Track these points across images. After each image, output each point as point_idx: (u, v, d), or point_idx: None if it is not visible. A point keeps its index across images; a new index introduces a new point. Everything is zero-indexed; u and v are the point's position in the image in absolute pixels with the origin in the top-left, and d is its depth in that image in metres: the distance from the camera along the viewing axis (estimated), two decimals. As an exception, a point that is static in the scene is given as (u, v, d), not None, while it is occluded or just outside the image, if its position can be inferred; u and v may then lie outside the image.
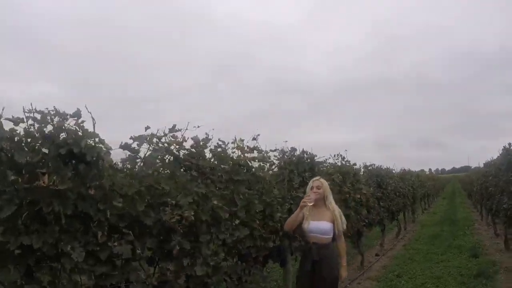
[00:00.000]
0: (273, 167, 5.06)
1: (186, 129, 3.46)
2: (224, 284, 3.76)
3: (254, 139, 4.24)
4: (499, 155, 10.25)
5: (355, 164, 8.00)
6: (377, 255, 10.37)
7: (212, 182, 3.63)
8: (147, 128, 3.14)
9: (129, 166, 3.10)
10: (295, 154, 5.44)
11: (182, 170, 3.43)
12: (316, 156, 5.73)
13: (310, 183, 4.47)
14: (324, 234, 4.32)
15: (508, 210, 7.89)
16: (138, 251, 2.93)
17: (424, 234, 13.81)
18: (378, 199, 9.85)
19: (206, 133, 3.68)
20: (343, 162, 7.46)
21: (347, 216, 6.76)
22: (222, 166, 3.86)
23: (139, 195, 2.86)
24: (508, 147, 8.42)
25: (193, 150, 3.57)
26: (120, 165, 3.08)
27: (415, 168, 22.67)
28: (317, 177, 4.56)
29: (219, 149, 3.88)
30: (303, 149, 5.55)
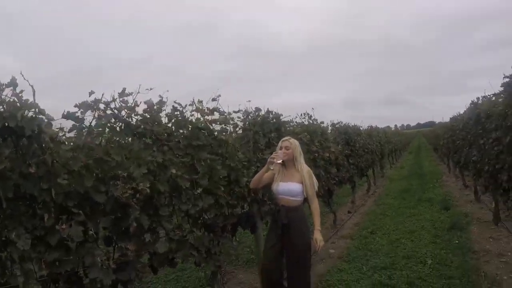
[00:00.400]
0: (237, 129, 4.79)
1: (138, 92, 3.13)
2: (192, 258, 3.53)
3: (214, 99, 3.93)
4: (466, 109, 10.53)
5: (322, 123, 7.84)
6: (349, 212, 10.52)
7: (169, 149, 3.35)
8: (91, 93, 2.79)
9: (73, 137, 2.77)
10: (260, 114, 5.17)
11: (135, 137, 3.11)
12: (282, 115, 5.48)
13: (279, 144, 4.35)
14: (293, 196, 4.26)
15: (478, 163, 8.03)
16: (91, 232, 2.71)
17: (393, 188, 14.11)
18: (347, 156, 9.84)
19: (160, 96, 3.36)
20: (310, 121, 7.27)
21: (317, 176, 6.63)
22: (180, 131, 3.57)
23: (86, 169, 2.60)
24: (476, 101, 8.56)
25: (146, 115, 3.24)
26: (63, 137, 2.75)
27: (382, 125, 23.01)
28: (287, 137, 4.43)
29: (176, 113, 3.56)
30: (267, 108, 5.31)
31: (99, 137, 2.80)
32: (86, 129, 2.76)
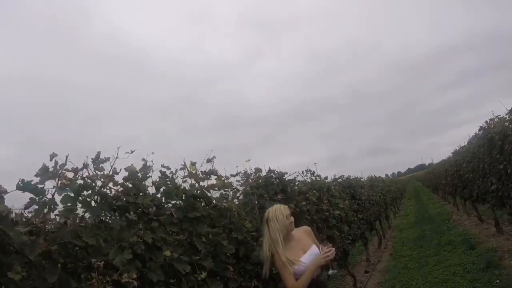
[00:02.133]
0: (238, 194, 4.08)
1: (117, 157, 2.47)
2: None
3: (209, 161, 3.26)
4: (470, 138, 10.26)
5: (326, 178, 7.18)
6: (366, 272, 9.56)
7: (160, 225, 2.60)
8: (52, 156, 2.10)
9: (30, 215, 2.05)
10: (261, 175, 4.49)
11: (114, 213, 2.40)
12: (287, 173, 4.81)
13: (283, 212, 3.44)
14: None
15: (499, 191, 7.45)
16: None
17: (406, 238, 13.27)
18: (356, 211, 9.11)
19: (144, 159, 2.67)
20: (313, 178, 6.58)
21: (331, 237, 5.88)
22: (172, 202, 2.85)
23: (48, 257, 1.86)
24: (484, 126, 8.03)
25: (128, 184, 2.54)
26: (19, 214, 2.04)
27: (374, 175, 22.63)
28: (285, 205, 3.61)
29: (165, 180, 2.85)
30: (269, 167, 4.63)
31: (66, 215, 2.06)
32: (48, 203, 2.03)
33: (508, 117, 6.19)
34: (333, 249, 3.35)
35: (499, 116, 7.23)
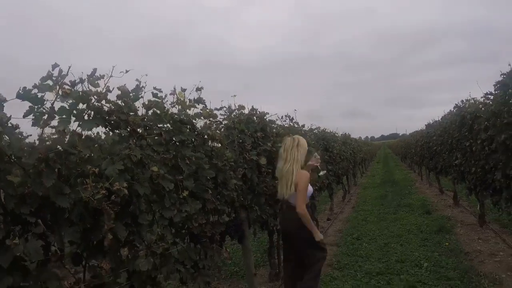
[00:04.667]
0: (220, 127, 4.22)
1: (111, 76, 2.52)
2: (177, 275, 2.91)
3: (198, 90, 3.34)
4: (444, 114, 10.76)
5: (303, 126, 7.36)
6: (328, 219, 10.11)
7: (148, 144, 2.71)
8: (54, 66, 2.15)
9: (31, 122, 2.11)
10: (244, 112, 4.63)
11: (107, 128, 2.50)
12: (268, 113, 4.96)
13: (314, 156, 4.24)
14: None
15: (461, 166, 7.92)
16: (54, 248, 2.07)
17: (369, 196, 13.87)
18: (326, 162, 9.37)
19: (137, 80, 2.74)
20: (291, 124, 6.76)
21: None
22: (159, 124, 2.95)
23: (45, 164, 1.94)
24: (460, 104, 8.46)
25: (120, 102, 2.62)
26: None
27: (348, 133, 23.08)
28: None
29: (155, 101, 2.93)
30: (252, 106, 4.76)
31: (62, 125, 2.14)
32: (46, 114, 2.10)
33: (483, 100, 6.44)
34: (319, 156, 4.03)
35: (474, 98, 7.68)
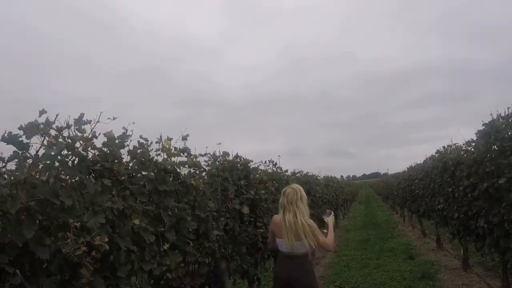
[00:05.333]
0: (203, 174, 4.19)
1: (98, 121, 2.51)
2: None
3: (184, 138, 3.35)
4: (426, 158, 10.82)
5: (286, 171, 7.38)
6: (310, 265, 9.83)
7: (131, 194, 2.68)
8: (42, 112, 2.14)
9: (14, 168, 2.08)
10: (227, 159, 4.63)
11: (90, 177, 2.46)
12: (252, 161, 4.97)
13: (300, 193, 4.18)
14: (299, 251, 4.04)
15: (444, 211, 7.99)
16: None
17: (351, 239, 13.77)
18: (308, 206, 9.33)
19: (124, 128, 2.74)
20: (275, 169, 6.77)
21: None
22: (144, 172, 2.93)
23: (27, 213, 1.90)
24: (441, 150, 8.59)
25: (105, 150, 2.60)
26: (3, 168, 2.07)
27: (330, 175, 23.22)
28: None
29: (139, 150, 2.92)
30: (237, 153, 4.77)
31: (46, 172, 2.11)
32: (31, 160, 2.07)
33: (464, 147, 6.59)
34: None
35: (456, 144, 7.81)
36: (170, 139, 3.23)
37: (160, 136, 3.19)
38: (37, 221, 1.96)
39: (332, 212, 4.02)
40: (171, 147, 3.26)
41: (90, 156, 2.46)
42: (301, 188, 4.18)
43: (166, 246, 2.86)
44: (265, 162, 6.53)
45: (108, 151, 2.60)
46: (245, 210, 4.46)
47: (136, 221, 2.55)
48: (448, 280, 7.61)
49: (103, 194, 2.40)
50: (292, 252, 3.93)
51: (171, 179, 3.23)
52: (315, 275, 4.12)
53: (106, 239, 2.16)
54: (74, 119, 2.41)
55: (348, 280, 8.08)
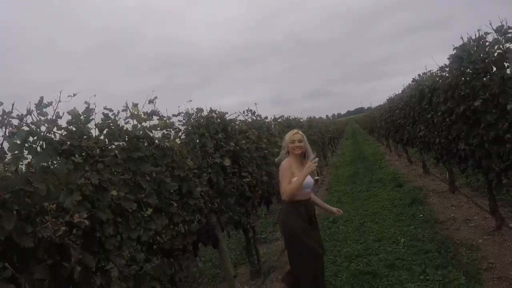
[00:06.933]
0: (180, 134, 4.22)
1: (59, 101, 2.52)
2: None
3: (151, 102, 3.35)
4: (404, 88, 11.03)
5: (266, 118, 7.44)
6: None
7: (105, 166, 2.71)
8: None
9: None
10: (203, 115, 4.64)
11: (61, 157, 2.47)
12: (227, 113, 4.98)
13: (289, 137, 4.27)
14: (312, 188, 4.28)
15: (425, 137, 8.18)
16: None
17: (341, 175, 14.13)
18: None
19: (87, 102, 2.74)
20: (254, 118, 6.82)
21: (269, 173, 6.21)
22: (115, 143, 2.96)
23: (3, 206, 1.97)
24: (417, 78, 8.69)
25: (72, 128, 2.62)
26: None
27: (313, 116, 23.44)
28: (295, 130, 4.38)
29: (107, 121, 2.93)
30: (210, 107, 4.78)
31: (15, 163, 2.12)
32: None
33: (439, 73, 6.67)
34: (317, 158, 4.04)
35: (431, 71, 7.91)
36: (136, 105, 3.23)
37: (126, 104, 3.18)
38: (15, 212, 2.01)
39: (316, 158, 4.05)
40: (139, 113, 3.27)
41: (57, 137, 2.47)
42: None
43: (149, 211, 2.95)
44: (244, 112, 6.58)
45: (75, 129, 2.62)
46: (227, 162, 4.54)
47: (114, 192, 2.61)
48: (437, 203, 7.96)
49: (76, 172, 2.44)
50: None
51: (145, 144, 3.26)
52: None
53: (86, 215, 2.21)
54: (35, 103, 2.41)
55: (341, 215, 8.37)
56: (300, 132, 4.33)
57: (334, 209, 4.53)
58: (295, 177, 3.95)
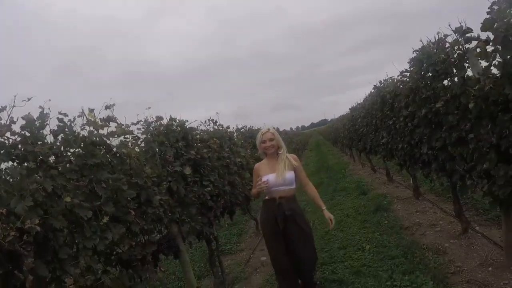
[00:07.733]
0: (139, 142, 4.18)
1: (14, 106, 2.48)
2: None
3: (108, 108, 3.30)
4: (365, 97, 11.21)
5: (228, 128, 7.47)
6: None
7: (60, 173, 2.65)
8: None
9: None
10: (162, 123, 4.62)
11: (14, 163, 2.42)
12: (187, 121, 4.97)
13: (260, 137, 4.47)
14: (289, 184, 4.36)
15: (388, 144, 8.33)
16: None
17: (306, 186, 14.10)
18: (257, 160, 9.54)
19: (41, 107, 2.69)
20: (216, 127, 6.83)
21: (232, 183, 6.21)
22: (71, 150, 2.90)
23: None
24: (379, 85, 8.83)
25: (25, 133, 2.58)
26: None
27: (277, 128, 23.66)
28: (265, 128, 4.54)
29: (62, 126, 2.88)
30: (170, 115, 4.76)
31: None
32: None
33: (400, 78, 6.78)
34: (267, 179, 4.21)
35: (392, 77, 8.07)
36: (92, 110, 3.18)
37: (82, 110, 3.13)
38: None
39: (266, 179, 4.25)
40: (96, 119, 3.22)
41: (9, 143, 2.43)
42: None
43: (105, 219, 2.89)
44: (205, 121, 6.59)
45: (29, 134, 2.57)
46: (187, 171, 4.52)
47: (67, 199, 2.56)
48: (402, 210, 8.14)
49: (29, 178, 2.38)
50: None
51: (102, 152, 3.22)
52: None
53: (37, 221, 2.16)
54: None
55: (306, 223, 8.44)
56: (270, 130, 4.48)
57: (327, 215, 4.52)
58: (258, 176, 4.29)
